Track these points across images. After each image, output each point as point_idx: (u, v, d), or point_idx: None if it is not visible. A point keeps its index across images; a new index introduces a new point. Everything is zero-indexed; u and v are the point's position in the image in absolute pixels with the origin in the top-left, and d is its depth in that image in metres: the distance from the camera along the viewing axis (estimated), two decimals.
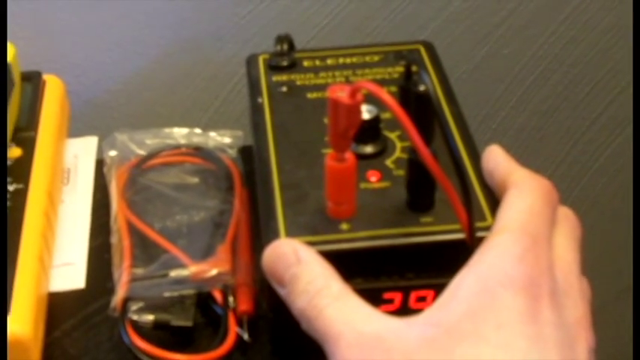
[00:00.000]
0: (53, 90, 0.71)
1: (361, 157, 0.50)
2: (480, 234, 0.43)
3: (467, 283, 0.39)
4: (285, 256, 0.43)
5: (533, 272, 0.39)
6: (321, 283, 0.41)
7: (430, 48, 0.62)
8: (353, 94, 0.42)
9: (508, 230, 0.41)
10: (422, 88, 0.43)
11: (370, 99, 0.45)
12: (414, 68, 0.46)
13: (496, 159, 0.48)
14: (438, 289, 0.45)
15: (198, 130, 0.71)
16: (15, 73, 0.66)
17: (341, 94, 0.43)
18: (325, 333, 0.39)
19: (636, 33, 0.79)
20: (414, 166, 0.46)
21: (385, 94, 0.41)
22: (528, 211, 0.42)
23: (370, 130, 0.51)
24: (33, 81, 0.70)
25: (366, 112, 0.50)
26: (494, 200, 0.48)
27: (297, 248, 0.43)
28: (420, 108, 0.43)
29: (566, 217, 0.45)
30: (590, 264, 1.14)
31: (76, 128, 0.74)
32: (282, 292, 0.43)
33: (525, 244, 0.40)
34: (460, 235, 0.44)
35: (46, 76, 0.71)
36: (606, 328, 1.17)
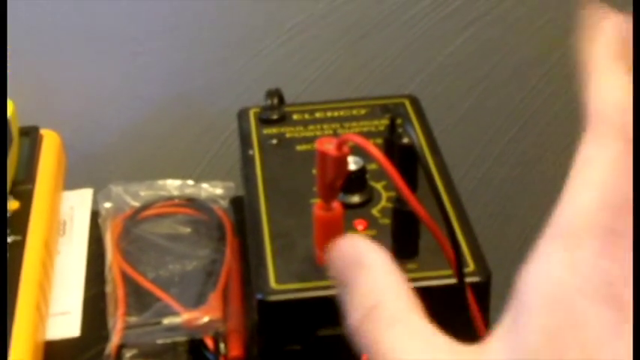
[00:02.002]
0: (50, 144, 0.73)
1: (348, 206, 0.51)
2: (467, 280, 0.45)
3: (537, 291, 0.29)
4: (350, 256, 0.36)
5: (611, 276, 0.28)
6: (379, 298, 0.33)
7: (415, 102, 0.64)
8: (340, 146, 0.44)
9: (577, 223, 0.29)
10: (406, 140, 0.45)
11: (357, 151, 0.46)
12: (398, 121, 0.48)
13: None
14: None
15: (190, 182, 0.73)
16: (14, 129, 0.68)
17: (328, 146, 0.44)
18: None
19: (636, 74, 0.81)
20: (399, 214, 0.48)
21: (371, 147, 0.43)
22: (601, 199, 0.29)
23: (357, 181, 0.53)
24: (30, 135, 0.72)
25: (353, 164, 0.52)
26: (477, 247, 0.50)
27: (365, 250, 0.35)
28: (405, 159, 0.45)
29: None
30: None
31: (71, 180, 0.76)
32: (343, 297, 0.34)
33: (600, 234, 0.29)
34: (444, 281, 0.46)
35: (43, 131, 0.73)
36: None
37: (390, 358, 0.31)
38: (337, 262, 0.36)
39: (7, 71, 0.65)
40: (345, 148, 0.44)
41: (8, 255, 0.61)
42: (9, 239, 0.62)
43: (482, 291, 0.47)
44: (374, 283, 0.34)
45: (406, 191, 0.43)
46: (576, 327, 0.28)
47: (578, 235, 0.29)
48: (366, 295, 0.33)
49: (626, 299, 0.28)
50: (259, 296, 0.48)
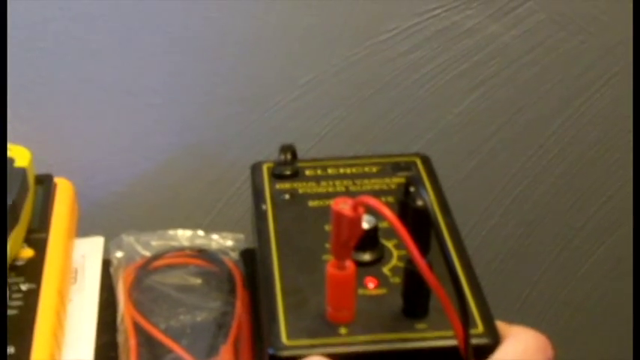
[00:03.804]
0: (64, 192, 0.73)
1: (360, 263, 0.52)
2: (473, 341, 0.46)
3: None
4: None
5: None
6: None
7: (426, 160, 0.65)
8: (355, 207, 0.45)
9: None
10: (420, 203, 0.46)
11: (369, 209, 0.47)
12: (412, 185, 0.49)
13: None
14: None
15: (201, 233, 0.74)
16: (30, 178, 0.69)
17: (344, 206, 0.46)
18: None
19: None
20: (410, 275, 0.49)
21: (385, 209, 0.44)
22: (522, 351, 0.46)
23: (369, 239, 0.54)
24: (45, 184, 0.73)
25: (366, 222, 0.53)
26: (487, 309, 0.51)
27: None
28: (418, 221, 0.46)
29: None
30: None
31: (82, 228, 0.76)
32: None
33: None
34: (452, 342, 0.47)
35: (56, 179, 0.74)
36: None
37: None
38: None
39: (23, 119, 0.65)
40: (361, 210, 0.46)
41: (22, 303, 0.61)
42: (23, 287, 0.63)
43: (491, 353, 0.48)
44: None
45: (417, 256, 0.45)
46: None
47: None
48: None
49: None
50: (271, 351, 0.49)
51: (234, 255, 0.72)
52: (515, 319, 0.50)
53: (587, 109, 0.93)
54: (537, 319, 1.07)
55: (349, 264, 0.48)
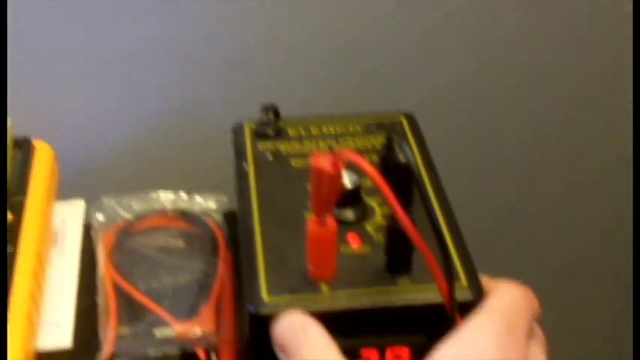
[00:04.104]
0: (42, 156, 0.73)
1: (342, 221, 0.51)
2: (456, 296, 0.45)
3: (449, 353, 0.42)
4: (294, 328, 0.46)
5: (510, 352, 0.42)
6: (322, 357, 0.44)
7: (411, 119, 0.64)
8: (335, 163, 0.45)
9: (488, 313, 0.44)
10: (403, 159, 0.45)
11: (352, 166, 0.47)
12: (395, 140, 0.48)
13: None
14: (414, 346, 0.47)
15: (183, 195, 0.73)
16: (8, 140, 0.68)
17: (324, 162, 0.45)
18: None
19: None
20: (393, 230, 0.48)
21: (366, 164, 0.43)
22: (508, 303, 0.46)
23: (351, 197, 0.53)
24: (23, 147, 0.72)
25: (348, 180, 0.52)
26: (471, 264, 0.50)
27: (305, 323, 0.46)
28: (400, 178, 0.46)
29: (537, 332, 0.48)
30: (566, 327, 1.15)
31: (63, 192, 0.76)
32: None
33: (503, 327, 0.43)
34: (436, 297, 0.46)
35: (35, 142, 0.73)
36: None
37: None
38: (283, 334, 0.46)
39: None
40: (341, 165, 0.45)
41: None
42: None
43: (475, 308, 0.47)
44: (317, 346, 0.44)
45: (399, 211, 0.44)
46: None
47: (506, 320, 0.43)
48: (313, 354, 0.44)
49: None
50: (251, 308, 0.48)
51: (218, 217, 0.72)
52: (505, 279, 0.49)
53: (581, 62, 0.92)
54: (527, 280, 1.06)
55: (330, 221, 0.47)
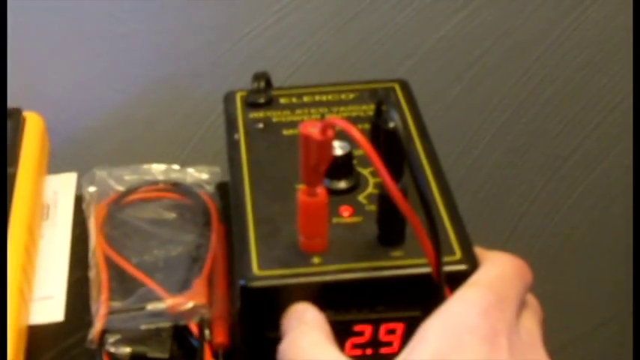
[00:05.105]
0: (33, 127, 0.72)
1: (334, 192, 0.50)
2: (447, 268, 0.44)
3: (435, 328, 0.41)
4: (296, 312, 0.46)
5: (497, 325, 0.41)
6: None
7: (405, 86, 0.63)
8: (324, 130, 0.43)
9: (476, 285, 0.43)
10: (391, 125, 0.44)
11: (344, 136, 0.46)
12: (384, 106, 0.47)
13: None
14: (408, 321, 0.46)
15: (176, 167, 0.72)
16: None
17: (312, 130, 0.44)
18: None
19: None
20: (385, 201, 0.47)
21: (355, 131, 0.42)
22: (499, 274, 0.44)
23: (343, 166, 0.52)
24: (13, 118, 0.71)
25: (339, 149, 0.51)
26: (465, 235, 0.49)
27: (306, 309, 0.46)
28: (390, 144, 0.45)
29: (532, 302, 0.47)
30: (565, 298, 1.15)
31: (55, 164, 0.75)
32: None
33: (491, 299, 0.42)
34: (428, 269, 0.45)
35: (26, 113, 0.72)
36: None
37: None
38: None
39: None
40: (330, 132, 0.44)
41: None
42: None
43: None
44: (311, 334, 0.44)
45: (387, 178, 0.43)
46: (459, 352, 0.40)
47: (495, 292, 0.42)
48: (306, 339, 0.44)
49: (504, 345, 0.41)
50: (241, 282, 0.47)
51: (210, 188, 0.71)
52: (504, 249, 0.48)
53: (574, 32, 0.91)
54: (525, 251, 1.06)
55: (320, 191, 0.46)
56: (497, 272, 0.45)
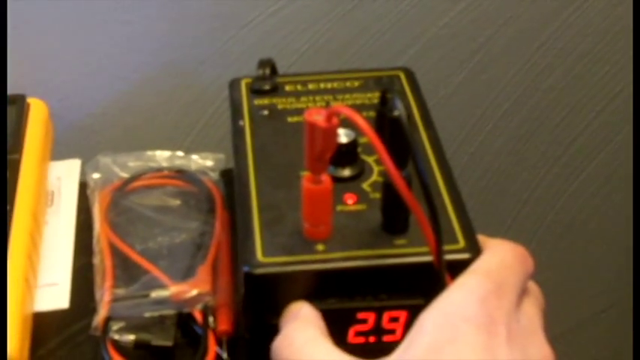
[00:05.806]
0: (37, 113, 0.72)
1: (338, 179, 0.51)
2: (449, 257, 0.45)
3: (432, 317, 0.41)
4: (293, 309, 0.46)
5: (495, 313, 0.41)
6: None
7: (410, 74, 0.63)
8: (329, 117, 0.44)
9: (476, 273, 0.43)
10: (395, 113, 0.44)
11: (349, 123, 0.46)
12: (389, 94, 0.47)
13: None
14: (411, 309, 0.47)
15: (180, 153, 0.72)
16: None
17: (317, 117, 0.44)
18: None
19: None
20: (389, 189, 0.47)
21: (359, 119, 0.42)
22: (498, 262, 0.45)
23: (347, 154, 0.52)
24: (17, 104, 0.71)
25: (344, 136, 0.51)
26: (468, 223, 0.49)
27: (302, 306, 0.46)
28: (394, 132, 0.45)
29: (533, 290, 0.47)
30: (566, 286, 1.16)
31: (59, 151, 0.75)
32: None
33: (489, 287, 0.42)
34: (432, 258, 0.45)
35: (30, 100, 0.72)
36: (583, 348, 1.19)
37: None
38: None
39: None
40: (335, 120, 0.44)
41: None
42: None
43: None
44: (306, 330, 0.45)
45: (390, 165, 0.43)
46: (456, 342, 0.39)
47: (494, 280, 0.42)
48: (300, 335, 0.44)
49: (501, 333, 0.40)
50: (245, 269, 0.47)
51: (215, 175, 0.71)
52: (507, 236, 0.48)
53: (576, 20, 0.91)
54: (527, 238, 1.06)
55: (325, 178, 0.46)
56: (497, 260, 0.45)
